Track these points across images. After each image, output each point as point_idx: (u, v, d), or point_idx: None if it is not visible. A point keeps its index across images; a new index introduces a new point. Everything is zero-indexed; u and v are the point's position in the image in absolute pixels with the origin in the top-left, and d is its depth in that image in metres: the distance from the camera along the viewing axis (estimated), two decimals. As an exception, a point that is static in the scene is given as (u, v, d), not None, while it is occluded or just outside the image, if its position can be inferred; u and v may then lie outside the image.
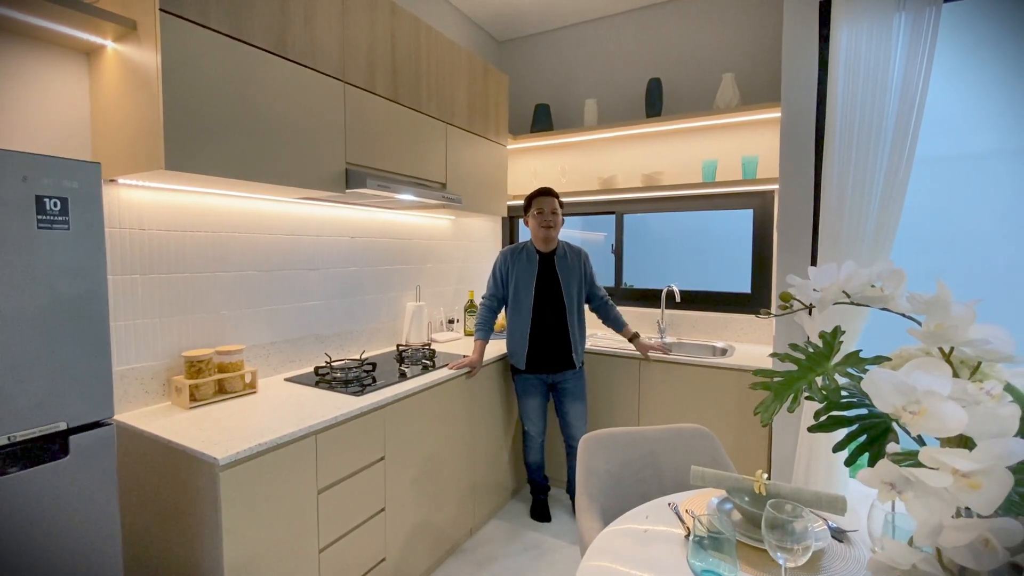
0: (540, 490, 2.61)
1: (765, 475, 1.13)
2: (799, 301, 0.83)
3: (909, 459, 0.66)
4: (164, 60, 1.27)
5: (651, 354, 2.39)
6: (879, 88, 1.83)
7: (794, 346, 0.90)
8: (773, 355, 0.91)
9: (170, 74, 1.28)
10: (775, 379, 0.88)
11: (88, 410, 0.97)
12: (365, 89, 1.89)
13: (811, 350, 0.86)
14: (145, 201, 1.58)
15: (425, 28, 2.19)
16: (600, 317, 2.50)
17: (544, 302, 2.31)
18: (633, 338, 2.43)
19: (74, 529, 0.99)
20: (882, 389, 0.61)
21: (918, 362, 0.67)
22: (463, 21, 3.09)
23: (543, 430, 2.52)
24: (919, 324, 0.74)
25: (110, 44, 1.40)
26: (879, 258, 1.83)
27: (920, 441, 0.72)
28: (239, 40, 1.44)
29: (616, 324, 2.46)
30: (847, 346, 0.83)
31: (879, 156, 1.82)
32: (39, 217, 0.89)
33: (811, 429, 0.88)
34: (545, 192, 2.32)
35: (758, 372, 0.93)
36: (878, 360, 0.76)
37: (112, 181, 1.49)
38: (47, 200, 0.89)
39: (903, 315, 0.74)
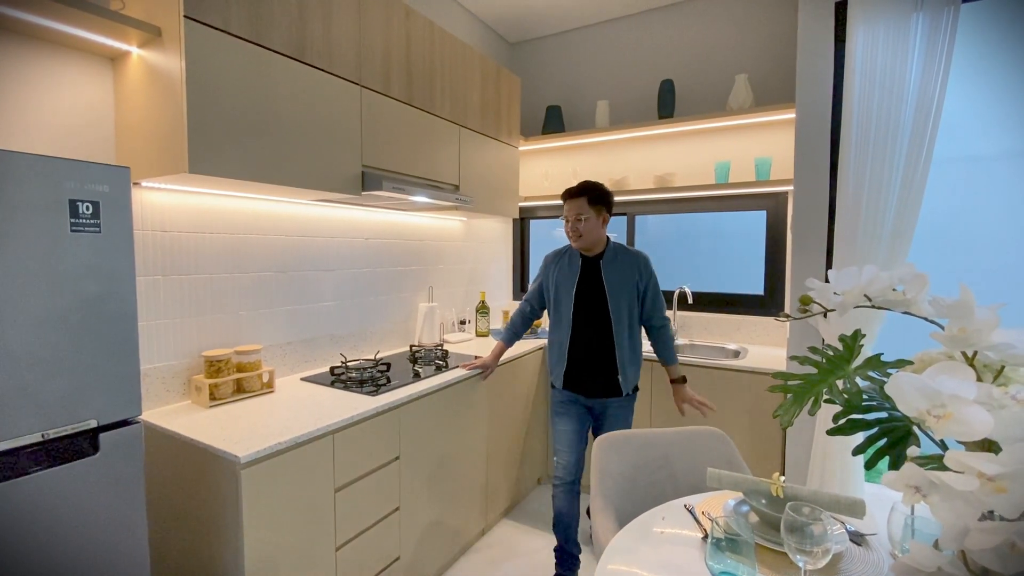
0: (565, 562, 2.05)
1: (782, 478, 1.13)
2: (819, 304, 0.83)
3: (933, 463, 0.67)
4: (188, 66, 1.29)
5: (691, 404, 2.01)
6: (896, 89, 1.81)
7: (814, 349, 0.90)
8: (793, 358, 0.91)
9: (194, 79, 1.31)
10: (794, 382, 0.88)
11: (117, 408, 0.99)
12: (381, 92, 1.91)
13: (831, 353, 0.86)
14: (167, 204, 1.61)
15: (439, 31, 2.21)
16: (650, 340, 2.05)
17: (586, 313, 1.96)
18: (676, 381, 2.02)
19: (103, 524, 1.01)
20: (906, 393, 0.61)
21: (942, 366, 0.67)
22: (475, 23, 3.11)
23: (575, 469, 1.99)
24: (941, 328, 0.74)
25: (135, 50, 1.43)
26: (896, 260, 1.81)
27: (942, 445, 0.73)
28: (259, 45, 1.47)
29: (666, 355, 2.02)
30: (864, 349, 0.83)
31: (896, 157, 1.81)
32: (72, 220, 0.92)
33: (831, 432, 0.88)
34: (571, 194, 1.97)
35: (777, 375, 0.93)
36: (900, 364, 0.76)
37: (136, 184, 1.52)
38: (80, 204, 0.92)
39: (926, 319, 0.74)
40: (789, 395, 0.86)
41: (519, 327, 2.24)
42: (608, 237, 2.01)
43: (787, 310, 2.64)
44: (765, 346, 2.65)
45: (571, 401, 2.04)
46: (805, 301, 0.83)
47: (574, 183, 3.20)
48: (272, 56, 1.51)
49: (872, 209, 1.83)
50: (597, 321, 1.95)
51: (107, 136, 1.49)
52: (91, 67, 1.46)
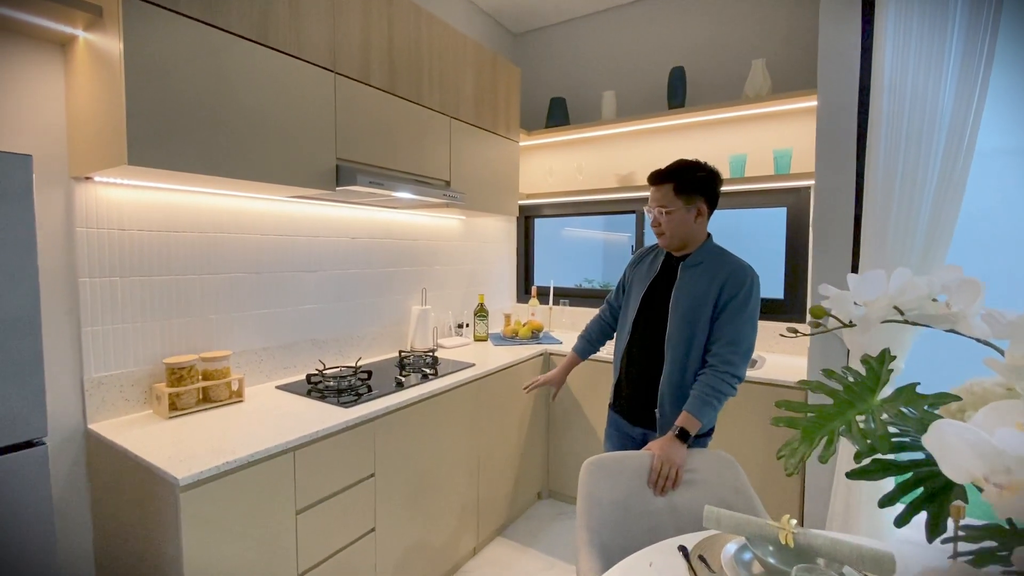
0: None
1: (794, 521, 0.94)
2: (835, 318, 0.66)
3: (983, 538, 0.49)
4: (127, 47, 1.18)
5: (653, 468, 1.40)
6: (933, 70, 1.59)
7: (829, 372, 0.72)
8: (803, 384, 0.73)
9: (134, 62, 1.19)
10: (807, 414, 0.70)
11: (15, 430, 0.88)
12: (359, 80, 1.78)
13: (851, 379, 0.68)
14: (124, 200, 1.50)
15: (426, 17, 2.07)
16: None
17: (647, 323, 1.59)
18: (673, 432, 1.42)
19: (7, 557, 0.90)
20: (955, 450, 0.44)
21: (1000, 407, 0.49)
22: (477, 13, 2.96)
23: None
24: (1000, 352, 0.56)
25: (81, 34, 1.32)
26: (932, 263, 1.59)
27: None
28: (213, 26, 1.34)
29: (691, 397, 1.45)
30: (894, 370, 0.65)
31: (933, 147, 1.59)
32: (-46, 215, 0.80)
33: (852, 475, 0.70)
34: (656, 178, 1.56)
35: (782, 404, 0.75)
36: (943, 399, 0.58)
37: (88, 179, 1.42)
38: (-37, 196, 0.80)
39: (979, 340, 0.56)
40: (797, 431, 0.69)
41: (594, 334, 1.87)
42: (708, 236, 1.60)
43: (809, 318, 2.42)
44: (784, 355, 2.43)
45: (615, 427, 1.70)
46: (818, 314, 0.66)
47: (579, 179, 3.08)
48: (229, 38, 1.38)
49: (905, 206, 1.62)
50: (655, 336, 1.56)
51: (58, 128, 1.39)
52: (41, 55, 1.36)
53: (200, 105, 1.32)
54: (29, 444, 0.90)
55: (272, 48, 1.49)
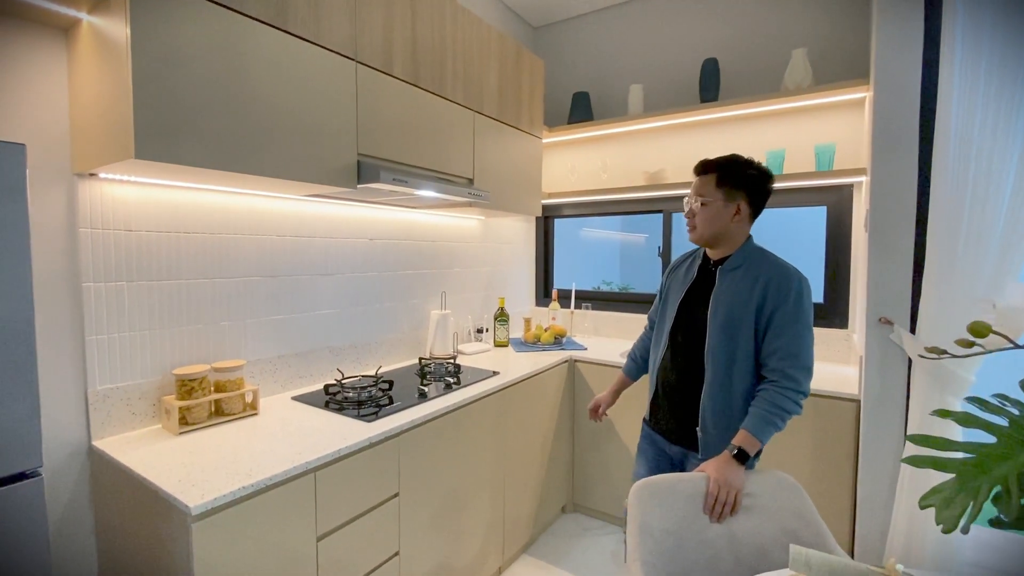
0: None
1: (900, 566, 0.82)
2: (1004, 336, 0.53)
3: None
4: (134, 31, 1.07)
5: (709, 493, 1.26)
6: (1010, 57, 1.45)
7: (981, 402, 0.59)
8: (942, 413, 0.60)
9: (142, 48, 1.08)
10: (954, 454, 0.57)
11: (8, 460, 0.76)
12: (381, 70, 1.66)
13: (1016, 412, 0.55)
14: (132, 199, 1.39)
15: (450, 3, 1.95)
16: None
17: (686, 334, 1.47)
18: (730, 452, 1.29)
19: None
20: None
21: None
22: (494, 6, 2.84)
23: None
24: None
25: (85, 17, 1.21)
26: (1009, 268, 1.45)
27: None
28: (228, 8, 1.23)
29: (748, 415, 1.33)
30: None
31: (1011, 137, 1.45)
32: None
33: (1000, 524, 0.57)
34: (699, 168, 1.47)
35: (916, 439, 0.62)
36: None
37: (92, 175, 1.31)
38: (-57, 191, 0.69)
39: None
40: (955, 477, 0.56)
41: (638, 353, 1.77)
42: (749, 238, 1.47)
43: (852, 322, 2.28)
44: (827, 363, 2.29)
45: (650, 442, 1.58)
46: (981, 332, 0.53)
47: (604, 177, 2.95)
48: (245, 22, 1.27)
49: (980, 203, 1.47)
50: (694, 348, 1.43)
51: (61, 120, 1.28)
52: (42, 40, 1.25)
53: (213, 94, 1.21)
54: (22, 476, 0.79)
55: (291, 34, 1.38)
